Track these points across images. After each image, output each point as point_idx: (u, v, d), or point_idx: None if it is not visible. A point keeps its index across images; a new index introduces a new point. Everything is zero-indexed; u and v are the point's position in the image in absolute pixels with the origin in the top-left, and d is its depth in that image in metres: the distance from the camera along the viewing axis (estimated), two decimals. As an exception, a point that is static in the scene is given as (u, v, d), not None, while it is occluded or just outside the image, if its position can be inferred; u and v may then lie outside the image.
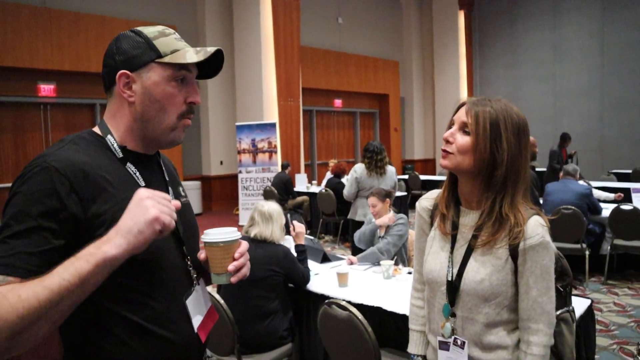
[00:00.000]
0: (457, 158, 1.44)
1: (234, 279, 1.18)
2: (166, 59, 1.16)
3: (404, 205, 8.40)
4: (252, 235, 3.03)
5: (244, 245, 1.22)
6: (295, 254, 3.17)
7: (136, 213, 0.98)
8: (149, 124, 1.18)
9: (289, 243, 3.28)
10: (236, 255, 1.18)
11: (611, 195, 6.51)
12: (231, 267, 1.17)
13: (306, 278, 3.13)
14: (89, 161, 1.08)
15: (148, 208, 0.98)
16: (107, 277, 1.04)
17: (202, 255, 1.23)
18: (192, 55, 1.17)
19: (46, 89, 8.90)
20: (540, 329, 1.43)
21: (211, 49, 1.18)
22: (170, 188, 1.28)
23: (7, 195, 1.04)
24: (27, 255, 0.97)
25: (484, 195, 1.45)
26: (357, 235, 3.97)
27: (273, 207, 3.13)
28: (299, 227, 3.29)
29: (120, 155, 1.16)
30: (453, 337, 1.50)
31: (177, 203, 1.07)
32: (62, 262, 0.96)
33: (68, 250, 1.00)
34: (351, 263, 3.68)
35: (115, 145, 1.17)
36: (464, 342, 1.48)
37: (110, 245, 0.95)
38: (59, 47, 8.67)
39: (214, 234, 1.17)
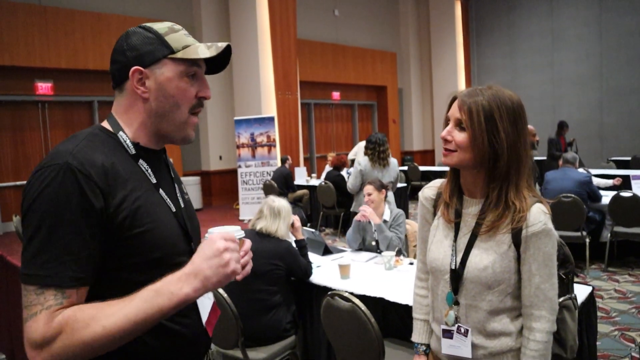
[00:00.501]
0: (459, 155, 1.45)
1: (238, 277, 1.19)
2: (179, 55, 1.16)
3: (404, 196, 8.41)
4: (257, 228, 3.05)
5: (248, 243, 1.23)
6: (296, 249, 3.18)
7: (215, 264, 1.02)
8: (163, 120, 1.19)
9: (290, 238, 3.28)
10: (241, 253, 1.19)
11: (610, 182, 6.52)
12: None
13: (308, 272, 3.14)
14: (105, 158, 1.09)
15: (228, 263, 1.04)
16: (121, 275, 1.09)
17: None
18: (204, 50, 1.18)
19: (43, 87, 8.88)
20: (543, 316, 1.44)
21: (222, 45, 1.19)
22: (176, 185, 1.29)
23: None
24: (73, 263, 1.00)
25: (490, 186, 1.46)
26: (347, 237, 3.94)
27: (283, 204, 3.14)
28: (297, 221, 3.30)
29: (133, 151, 1.17)
30: (457, 325, 1.51)
31: (248, 246, 1.17)
32: (98, 261, 1.04)
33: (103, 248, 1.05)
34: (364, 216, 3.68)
35: (128, 141, 1.17)
36: (467, 330, 1.49)
37: (191, 288, 1.01)
38: (56, 45, 8.64)
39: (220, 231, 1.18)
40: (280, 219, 3.07)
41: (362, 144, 7.37)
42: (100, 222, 1.03)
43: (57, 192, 1.00)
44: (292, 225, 3.27)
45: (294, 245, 3.18)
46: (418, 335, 1.73)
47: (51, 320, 0.95)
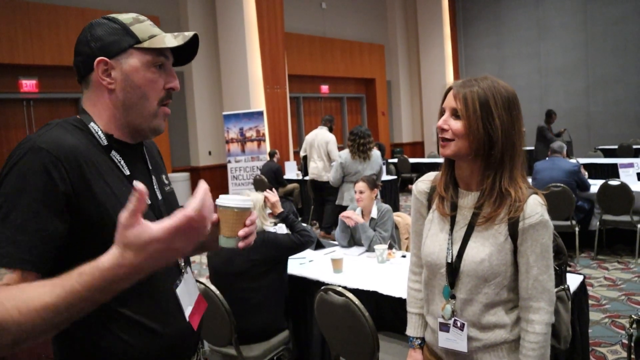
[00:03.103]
0: (456, 144, 1.45)
1: (241, 244, 1.18)
2: (145, 44, 1.14)
3: (395, 189, 8.42)
4: None
5: (254, 214, 1.22)
6: (284, 231, 3.09)
7: (162, 256, 0.87)
8: (131, 111, 1.16)
9: (266, 227, 3.17)
10: (247, 222, 1.18)
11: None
12: (242, 232, 1.17)
13: (300, 242, 2.95)
14: (77, 144, 1.06)
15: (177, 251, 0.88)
16: None
17: (214, 216, 1.19)
18: (170, 40, 1.16)
19: (28, 85, 8.74)
20: (542, 307, 1.45)
21: (189, 34, 1.17)
22: (153, 177, 1.27)
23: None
24: (25, 244, 0.96)
25: (485, 174, 1.46)
26: (336, 235, 3.90)
27: (258, 197, 3.07)
28: (271, 195, 3.10)
29: (105, 143, 1.14)
30: (453, 319, 1.51)
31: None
32: (60, 248, 0.99)
33: (65, 234, 1.01)
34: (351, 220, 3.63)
35: (99, 132, 1.14)
36: (463, 324, 1.49)
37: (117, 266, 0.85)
38: (40, 42, 8.50)
39: (230, 199, 1.18)
40: (255, 211, 3.00)
41: (309, 138, 7.23)
42: (65, 206, 1.01)
43: (20, 172, 0.99)
44: (269, 201, 3.08)
45: (271, 229, 3.06)
46: (413, 329, 1.73)
47: None
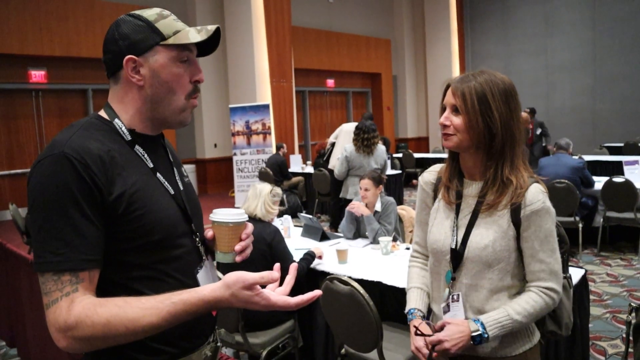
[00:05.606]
0: (458, 137, 1.50)
1: (238, 259, 1.22)
2: (170, 41, 1.18)
3: (399, 183, 8.45)
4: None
5: (250, 227, 1.26)
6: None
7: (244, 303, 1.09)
8: (159, 106, 1.21)
9: (273, 222, 3.24)
10: (243, 236, 1.22)
11: None
12: (238, 247, 1.21)
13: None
14: (101, 146, 1.11)
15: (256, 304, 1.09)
16: (122, 257, 1.11)
17: (209, 233, 1.28)
18: (194, 35, 1.19)
19: (37, 75, 8.81)
20: (552, 287, 1.50)
21: (211, 28, 1.21)
22: (175, 169, 1.32)
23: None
24: (82, 246, 1.03)
25: (487, 165, 1.51)
26: (341, 227, 3.95)
27: (265, 186, 3.15)
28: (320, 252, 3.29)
29: (129, 138, 1.19)
30: (450, 296, 1.56)
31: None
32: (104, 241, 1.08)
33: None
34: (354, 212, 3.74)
35: (123, 128, 1.19)
36: (457, 295, 1.55)
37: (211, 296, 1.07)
38: (49, 33, 8.56)
39: (224, 214, 1.21)
40: (261, 198, 3.09)
41: (344, 126, 7.26)
42: (100, 206, 1.07)
43: (57, 180, 1.03)
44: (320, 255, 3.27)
45: (281, 232, 3.14)
46: (413, 302, 1.71)
47: (71, 309, 1.00)
